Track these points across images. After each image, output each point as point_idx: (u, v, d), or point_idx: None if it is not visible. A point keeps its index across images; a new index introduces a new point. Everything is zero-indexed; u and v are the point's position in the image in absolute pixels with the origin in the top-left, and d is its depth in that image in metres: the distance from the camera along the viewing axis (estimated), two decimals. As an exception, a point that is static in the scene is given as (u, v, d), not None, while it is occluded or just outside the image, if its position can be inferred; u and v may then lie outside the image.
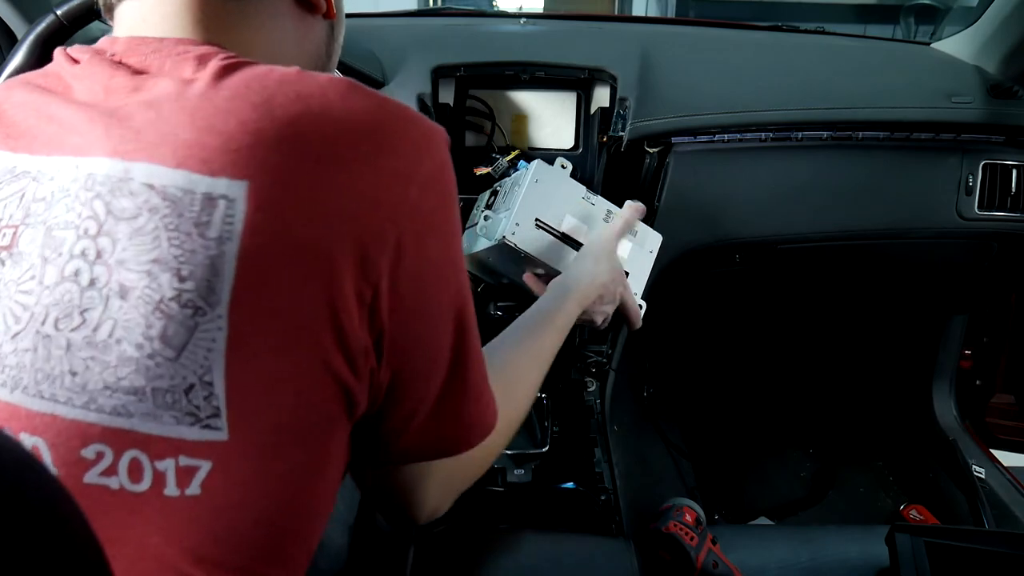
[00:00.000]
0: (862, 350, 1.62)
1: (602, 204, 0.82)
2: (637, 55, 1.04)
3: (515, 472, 0.97)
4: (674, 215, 1.04)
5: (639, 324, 0.79)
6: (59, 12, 0.72)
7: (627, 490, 1.02)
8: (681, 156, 1.03)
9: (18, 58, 0.73)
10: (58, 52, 0.43)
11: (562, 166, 0.82)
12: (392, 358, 0.39)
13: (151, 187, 0.34)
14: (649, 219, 1.04)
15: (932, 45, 1.23)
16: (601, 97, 1.06)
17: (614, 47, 1.08)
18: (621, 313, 0.76)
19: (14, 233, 0.36)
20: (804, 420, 1.62)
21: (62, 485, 0.25)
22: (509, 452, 0.99)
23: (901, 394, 1.54)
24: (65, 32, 0.73)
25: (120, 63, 0.39)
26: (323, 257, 0.34)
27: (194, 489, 0.34)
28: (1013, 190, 1.10)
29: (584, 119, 1.09)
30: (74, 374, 0.34)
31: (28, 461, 0.24)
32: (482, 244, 0.79)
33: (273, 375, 0.34)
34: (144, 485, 0.33)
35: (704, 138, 1.03)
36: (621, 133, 0.98)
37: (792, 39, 1.25)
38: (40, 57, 0.73)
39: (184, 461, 0.34)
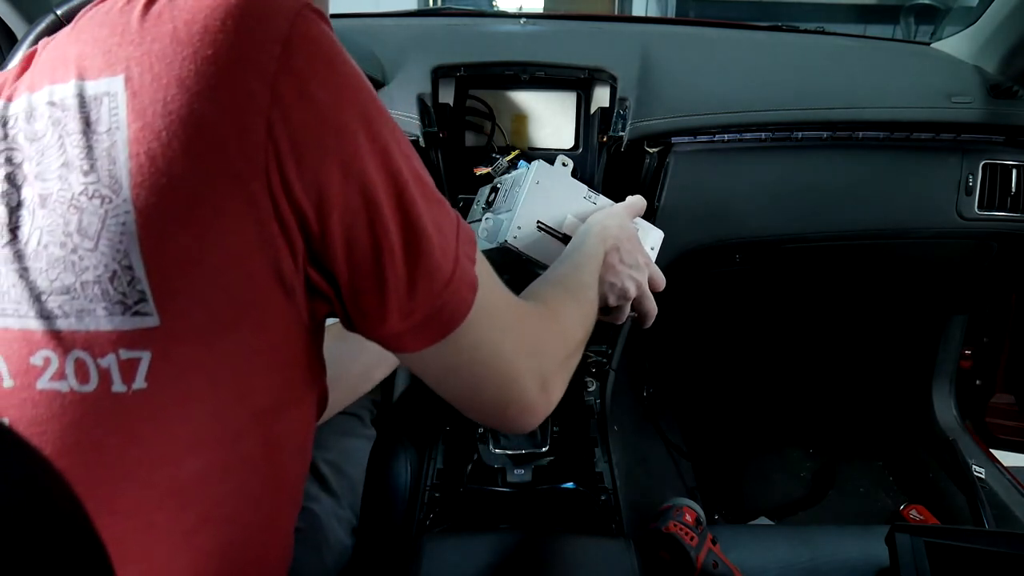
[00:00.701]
0: (862, 350, 1.62)
1: (604, 202, 0.82)
2: (637, 55, 1.04)
3: (515, 472, 0.97)
4: (674, 215, 1.04)
5: (653, 316, 0.75)
6: (59, 12, 0.72)
7: (627, 490, 1.02)
8: (681, 156, 1.03)
9: (18, 58, 0.72)
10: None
11: (563, 164, 0.82)
12: (320, 223, 0.37)
13: (52, 104, 0.37)
14: (649, 219, 1.04)
15: (932, 45, 1.23)
16: (601, 97, 1.06)
17: (614, 47, 1.07)
18: (640, 300, 0.72)
19: None
20: (804, 420, 1.62)
21: (40, 455, 0.25)
22: (509, 452, 0.99)
23: (901, 394, 1.54)
24: (65, 32, 0.73)
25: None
26: (205, 128, 0.34)
27: (140, 383, 0.35)
28: (1013, 190, 1.10)
29: (584, 119, 1.09)
30: (14, 286, 0.36)
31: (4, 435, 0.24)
32: (483, 245, 0.79)
33: (189, 252, 0.35)
34: (92, 384, 0.35)
35: (704, 138, 1.03)
36: (621, 133, 0.98)
37: (792, 39, 1.25)
38: (40, 57, 0.73)
39: (124, 354, 0.35)
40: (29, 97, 0.38)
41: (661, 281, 0.75)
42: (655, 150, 1.03)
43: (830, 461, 1.51)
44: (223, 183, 0.35)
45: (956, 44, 1.17)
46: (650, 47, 1.07)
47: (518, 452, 0.99)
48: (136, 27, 0.35)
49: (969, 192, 1.09)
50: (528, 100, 1.08)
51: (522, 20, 1.19)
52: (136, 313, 0.35)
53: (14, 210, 0.37)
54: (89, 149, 0.35)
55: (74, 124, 0.35)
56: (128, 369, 0.35)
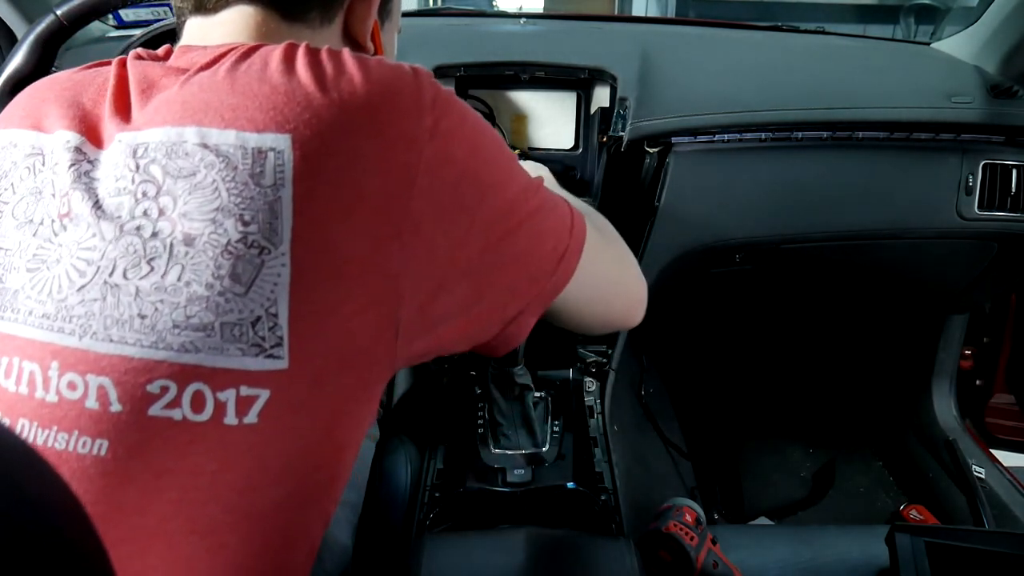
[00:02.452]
0: (862, 350, 1.62)
1: None
2: (637, 55, 1.04)
3: (515, 472, 0.97)
4: (674, 215, 1.04)
5: None
6: (59, 12, 0.72)
7: (627, 490, 1.02)
8: (681, 156, 1.03)
9: (18, 58, 0.73)
10: (115, 60, 0.46)
11: None
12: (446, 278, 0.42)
13: (204, 146, 0.38)
14: (649, 219, 1.04)
15: (932, 45, 1.23)
16: (601, 97, 1.06)
17: (614, 47, 1.07)
18: None
19: (66, 198, 0.40)
20: (804, 420, 1.62)
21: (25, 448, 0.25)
22: (509, 452, 0.99)
23: (901, 394, 1.54)
24: (65, 32, 0.73)
25: (168, 66, 0.44)
26: (365, 197, 0.38)
27: (252, 418, 0.37)
28: (1013, 190, 1.10)
29: (584, 119, 1.09)
30: (143, 317, 0.37)
31: None
32: None
33: (331, 303, 0.38)
34: (205, 415, 0.36)
35: (704, 138, 1.03)
36: (621, 133, 0.98)
37: (792, 39, 1.25)
38: (40, 57, 0.73)
39: (245, 391, 0.37)
40: (168, 131, 0.38)
41: None
42: (655, 150, 1.03)
43: (830, 461, 1.51)
44: (371, 243, 0.38)
45: (956, 44, 1.17)
46: (650, 47, 1.07)
47: (518, 452, 0.99)
48: (306, 92, 0.38)
49: (969, 192, 1.09)
50: (528, 100, 1.08)
51: (522, 20, 1.19)
52: (269, 356, 0.37)
53: (148, 241, 0.37)
54: (251, 200, 0.37)
55: (235, 172, 0.37)
56: (245, 404, 0.37)
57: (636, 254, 1.03)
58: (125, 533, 0.35)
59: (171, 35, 1.00)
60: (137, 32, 1.00)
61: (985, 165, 1.09)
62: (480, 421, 1.02)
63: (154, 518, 0.36)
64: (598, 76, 1.04)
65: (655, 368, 1.64)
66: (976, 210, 1.10)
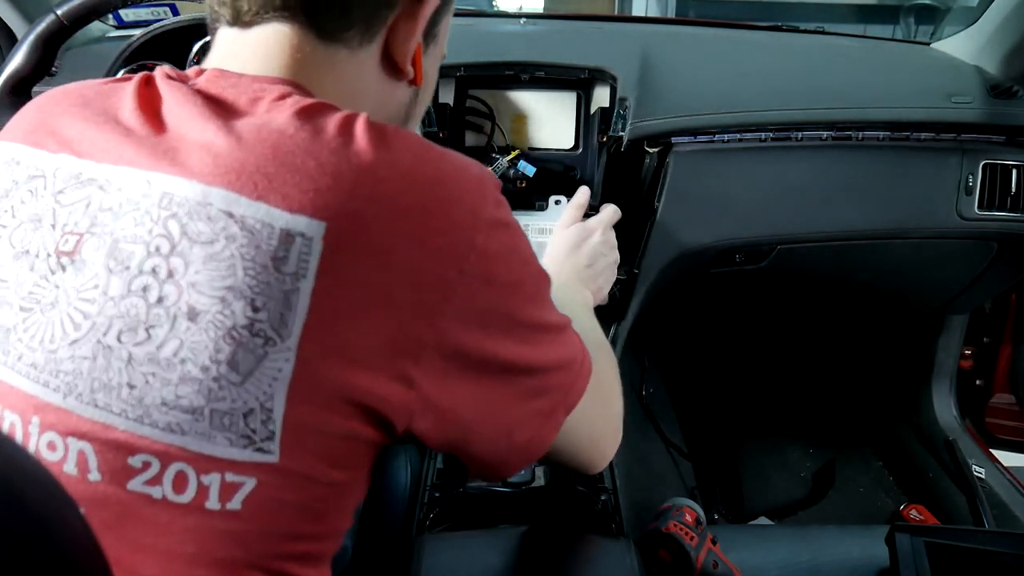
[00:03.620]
0: (862, 350, 1.62)
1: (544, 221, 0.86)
2: (637, 55, 1.04)
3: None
4: (674, 215, 1.04)
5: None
6: (59, 12, 0.72)
7: (627, 490, 1.02)
8: (681, 156, 1.03)
9: (18, 58, 0.73)
10: (136, 77, 0.43)
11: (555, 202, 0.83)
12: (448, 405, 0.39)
13: (230, 215, 0.35)
14: (649, 219, 1.04)
15: (932, 45, 1.23)
16: (601, 97, 1.06)
17: (614, 47, 1.07)
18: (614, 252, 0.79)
19: (78, 241, 0.37)
20: (804, 420, 1.62)
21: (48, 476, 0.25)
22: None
23: (901, 394, 1.54)
24: (65, 32, 0.73)
25: (198, 91, 0.40)
26: (389, 301, 0.35)
27: (235, 504, 0.35)
28: (1013, 190, 1.10)
29: (584, 119, 1.09)
30: (132, 387, 0.34)
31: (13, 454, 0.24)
32: None
33: (330, 404, 0.35)
34: (187, 496, 0.34)
35: (704, 138, 1.03)
36: (621, 133, 0.98)
37: (792, 39, 1.25)
38: (40, 57, 0.73)
39: (230, 477, 0.35)
40: (194, 187, 0.35)
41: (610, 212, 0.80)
42: (655, 150, 1.03)
43: (830, 461, 1.51)
44: (386, 354, 0.36)
45: (956, 44, 1.17)
46: (650, 47, 1.07)
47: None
48: (356, 179, 0.35)
49: (969, 192, 1.09)
50: (528, 100, 1.08)
51: (522, 20, 1.19)
52: (259, 450, 0.35)
53: (152, 306, 0.35)
54: (267, 285, 0.34)
55: (256, 252, 0.34)
56: (229, 491, 0.35)
57: (636, 254, 1.03)
58: None
59: (171, 35, 1.00)
60: (137, 32, 1.00)
61: (985, 165, 1.09)
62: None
63: None
64: (598, 76, 1.04)
65: (655, 368, 1.64)
66: (976, 210, 1.10)
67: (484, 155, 1.04)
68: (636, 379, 1.58)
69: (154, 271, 0.35)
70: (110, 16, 1.19)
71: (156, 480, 0.34)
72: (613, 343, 1.17)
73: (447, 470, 1.01)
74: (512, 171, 1.02)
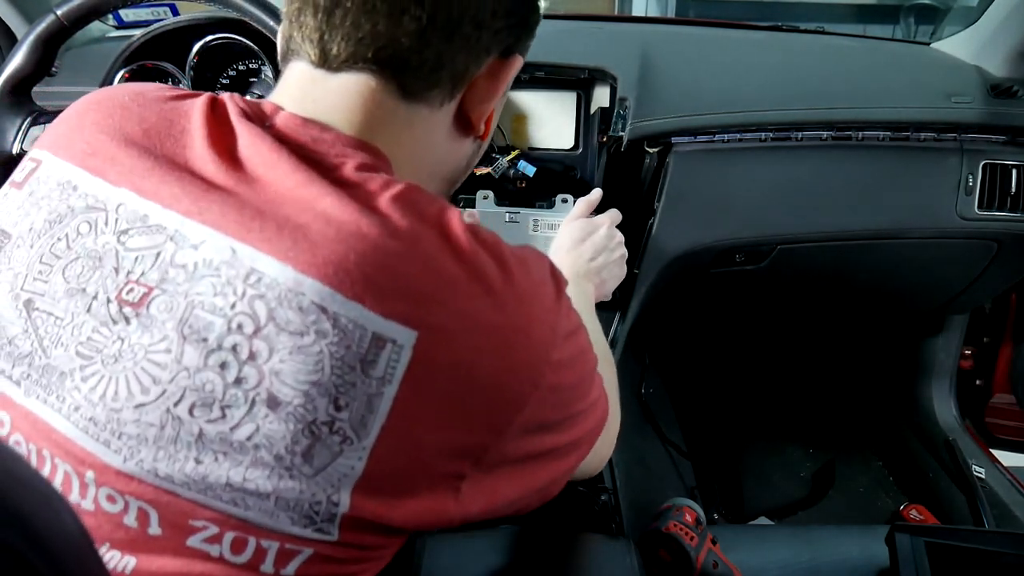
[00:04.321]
0: (862, 350, 1.62)
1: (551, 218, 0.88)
2: (637, 55, 1.04)
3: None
4: (674, 215, 1.04)
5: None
6: (59, 12, 0.72)
7: (627, 490, 1.02)
8: (681, 156, 1.03)
9: (18, 58, 0.73)
10: (202, 99, 0.42)
11: (483, 198, 0.83)
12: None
13: (323, 310, 0.34)
14: (649, 219, 1.04)
15: (932, 45, 1.23)
16: (601, 97, 1.06)
17: (614, 47, 1.07)
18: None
19: (145, 294, 0.36)
20: (804, 420, 1.62)
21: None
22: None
23: (901, 394, 1.54)
24: (65, 32, 0.73)
25: (280, 137, 0.39)
26: (465, 412, 0.36)
27: (289, 571, 0.36)
28: (1013, 190, 1.10)
29: (584, 119, 1.09)
30: (199, 463, 0.34)
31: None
32: None
33: (392, 499, 0.36)
34: (244, 558, 0.35)
35: (704, 138, 1.03)
36: (621, 133, 0.98)
37: (792, 39, 1.25)
38: (40, 57, 0.73)
39: (289, 546, 0.35)
40: (287, 272, 0.34)
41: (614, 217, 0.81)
42: (655, 150, 1.03)
43: (830, 461, 1.51)
44: (454, 454, 0.37)
45: (956, 44, 1.17)
46: (650, 47, 1.07)
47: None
48: (446, 291, 0.35)
49: (969, 192, 1.09)
50: (528, 100, 1.08)
51: (522, 20, 1.19)
52: (319, 530, 0.35)
53: (229, 386, 0.34)
54: (352, 386, 0.34)
55: (345, 353, 0.34)
56: (285, 558, 0.35)
57: (636, 254, 1.03)
58: None
59: (171, 35, 1.00)
60: (137, 32, 1.00)
61: (985, 165, 1.09)
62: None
63: None
64: (598, 76, 1.04)
65: (655, 368, 1.64)
66: (976, 210, 1.10)
67: (484, 155, 1.04)
68: (636, 379, 1.58)
69: (234, 349, 0.34)
70: (110, 16, 1.19)
71: (216, 539, 0.35)
72: (613, 343, 1.17)
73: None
74: (512, 171, 1.02)
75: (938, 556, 0.64)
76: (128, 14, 1.17)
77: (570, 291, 0.67)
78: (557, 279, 0.42)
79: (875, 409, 1.61)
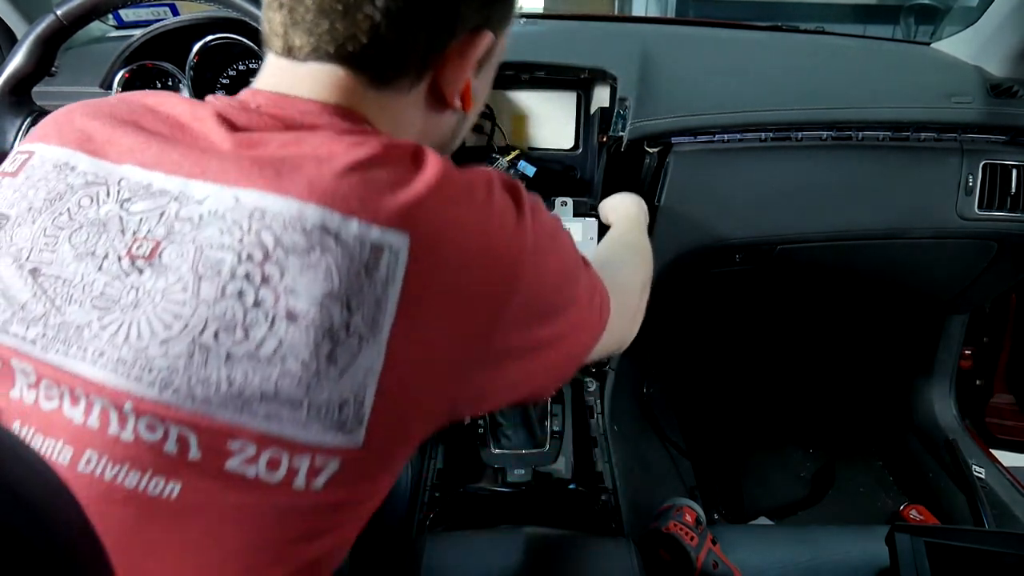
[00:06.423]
0: (862, 350, 1.62)
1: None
2: (637, 55, 1.04)
3: (515, 472, 0.97)
4: (674, 215, 1.04)
5: None
6: (59, 12, 0.72)
7: (627, 490, 1.02)
8: (681, 156, 1.03)
9: (18, 58, 0.73)
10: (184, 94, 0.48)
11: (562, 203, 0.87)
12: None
13: (325, 229, 0.38)
14: (649, 219, 1.04)
15: (932, 45, 1.23)
16: (601, 97, 1.06)
17: (614, 47, 1.07)
18: None
19: (154, 247, 0.39)
20: (804, 420, 1.62)
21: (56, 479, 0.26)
22: (509, 452, 0.99)
23: (901, 394, 1.54)
24: (65, 32, 0.73)
25: (267, 115, 0.43)
26: (465, 302, 0.40)
27: (318, 485, 0.38)
28: (1013, 190, 1.10)
29: (584, 119, 1.09)
30: (231, 383, 0.37)
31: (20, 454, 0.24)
32: None
33: (411, 393, 0.40)
34: (278, 477, 0.38)
35: (704, 138, 1.03)
36: (621, 133, 0.98)
37: (792, 39, 1.25)
38: (40, 57, 0.73)
39: (319, 460, 0.38)
40: (290, 204, 0.38)
41: None
42: (655, 150, 1.03)
43: (830, 461, 1.51)
44: (461, 344, 0.40)
45: (956, 44, 1.17)
46: (650, 47, 1.07)
47: (518, 452, 0.99)
48: (430, 200, 0.39)
49: (969, 192, 1.09)
50: (528, 100, 1.08)
51: (522, 20, 1.19)
52: (348, 434, 0.38)
53: (249, 309, 0.37)
54: (359, 291, 0.37)
55: (350, 263, 0.37)
56: (314, 472, 0.38)
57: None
58: (181, 570, 0.37)
59: (171, 35, 1.00)
60: (137, 32, 1.00)
61: (985, 165, 1.09)
62: (480, 421, 1.02)
63: (211, 560, 0.38)
64: (598, 76, 1.04)
65: (655, 368, 1.64)
66: (976, 210, 1.10)
67: (484, 155, 1.04)
68: (636, 379, 1.58)
69: (247, 276, 0.37)
70: (110, 16, 1.19)
71: (252, 460, 0.37)
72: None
73: (447, 470, 1.01)
74: (512, 171, 1.02)
75: (938, 556, 0.64)
76: (128, 14, 1.17)
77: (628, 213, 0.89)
78: (513, 188, 0.45)
79: (875, 409, 1.61)
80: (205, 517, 0.37)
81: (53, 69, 0.75)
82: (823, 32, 1.31)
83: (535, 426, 1.00)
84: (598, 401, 1.15)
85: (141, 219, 0.39)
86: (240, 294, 0.37)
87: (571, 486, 0.98)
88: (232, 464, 0.37)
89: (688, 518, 0.78)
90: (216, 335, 0.37)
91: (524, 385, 0.47)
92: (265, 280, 0.37)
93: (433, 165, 0.41)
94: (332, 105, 0.43)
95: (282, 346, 0.37)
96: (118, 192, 0.40)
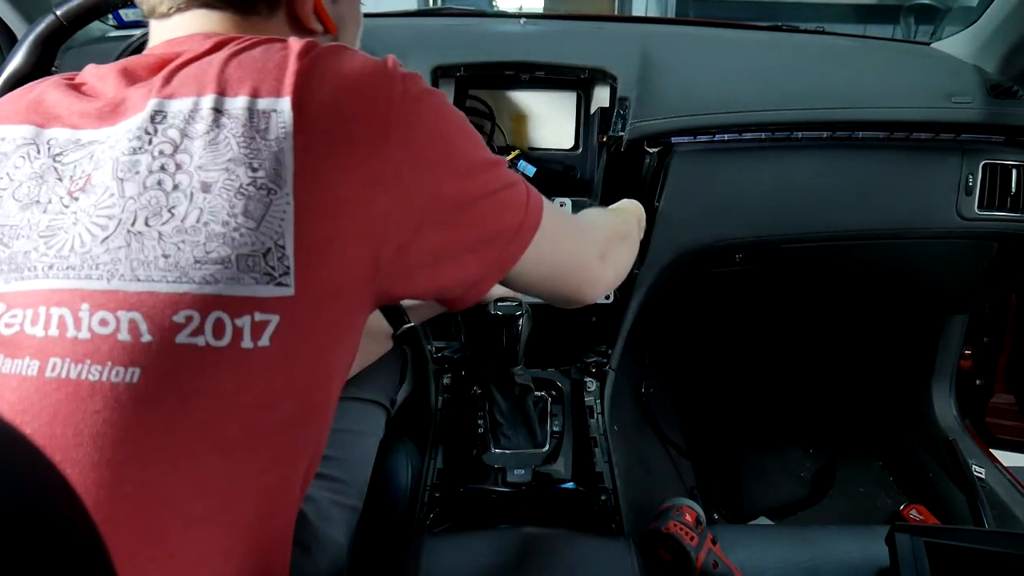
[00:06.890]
0: (862, 350, 1.62)
1: None
2: (637, 55, 1.04)
3: (515, 472, 0.97)
4: (674, 215, 1.04)
5: None
6: (59, 12, 0.72)
7: (627, 490, 1.02)
8: (681, 156, 1.03)
9: (18, 58, 0.73)
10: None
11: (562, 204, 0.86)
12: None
13: (218, 111, 0.43)
14: (649, 219, 1.04)
15: (932, 45, 1.23)
16: (601, 97, 1.06)
17: (614, 47, 1.08)
18: None
19: (86, 180, 0.44)
20: (804, 420, 1.62)
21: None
22: (509, 452, 0.99)
23: (901, 394, 1.54)
24: (65, 32, 0.73)
25: (158, 56, 0.49)
26: (351, 143, 0.44)
27: (264, 341, 0.41)
28: (1013, 190, 1.10)
29: (584, 119, 1.09)
30: (167, 256, 0.41)
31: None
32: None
33: (326, 236, 0.43)
34: (225, 340, 0.40)
35: (704, 138, 1.03)
36: (621, 133, 0.98)
37: (792, 39, 1.25)
38: (40, 57, 0.73)
39: (259, 316, 0.41)
40: (186, 101, 0.44)
41: None
42: (655, 150, 1.03)
43: (830, 461, 1.51)
44: (360, 185, 0.44)
45: (956, 44, 1.17)
46: (650, 47, 1.07)
47: (518, 452, 0.99)
48: (296, 66, 0.44)
49: (969, 192, 1.09)
50: (528, 100, 1.08)
51: (522, 20, 1.19)
52: (278, 284, 0.42)
53: (170, 193, 0.42)
54: (258, 151, 0.42)
55: (244, 129, 0.43)
56: (258, 329, 0.41)
57: (637, 254, 1.04)
58: (156, 455, 0.39)
59: None
60: (137, 32, 1.00)
61: (985, 165, 1.09)
62: (480, 421, 1.02)
63: (181, 439, 0.40)
64: (598, 76, 1.04)
65: (655, 368, 1.64)
66: (976, 210, 1.10)
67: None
68: (636, 379, 1.58)
69: (163, 168, 0.43)
70: (110, 16, 1.19)
71: (199, 330, 0.40)
72: (613, 344, 1.17)
73: (447, 470, 1.01)
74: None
75: (938, 556, 0.64)
76: (128, 14, 1.17)
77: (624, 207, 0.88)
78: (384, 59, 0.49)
79: (875, 409, 1.61)
80: (168, 396, 0.39)
81: (53, 69, 0.75)
82: (823, 32, 1.31)
83: (535, 426, 1.00)
84: (598, 401, 1.15)
85: (74, 165, 0.45)
86: (159, 183, 0.42)
87: (571, 486, 0.98)
88: (181, 337, 0.40)
89: (688, 518, 0.78)
90: (147, 221, 0.42)
91: (447, 262, 0.49)
92: (179, 167, 0.42)
93: (298, 40, 0.47)
94: (209, 33, 0.50)
95: (203, 213, 0.41)
96: (48, 149, 0.45)
